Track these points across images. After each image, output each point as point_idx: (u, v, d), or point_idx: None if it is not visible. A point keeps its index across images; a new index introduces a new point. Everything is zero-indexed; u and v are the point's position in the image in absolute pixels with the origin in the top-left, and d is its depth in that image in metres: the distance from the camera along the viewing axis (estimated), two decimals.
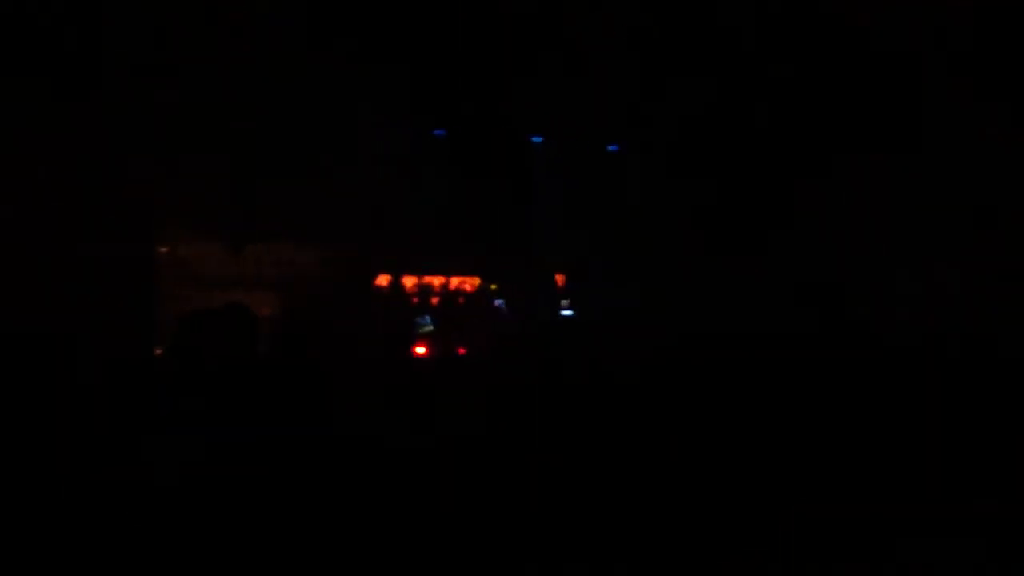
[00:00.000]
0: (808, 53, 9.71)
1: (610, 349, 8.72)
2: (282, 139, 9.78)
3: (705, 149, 10.16)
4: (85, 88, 8.53)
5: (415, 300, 10.53)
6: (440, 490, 4.77)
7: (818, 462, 4.66)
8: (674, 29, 9.71)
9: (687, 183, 10.18)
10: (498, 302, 10.76)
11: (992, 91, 9.11)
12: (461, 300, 10.71)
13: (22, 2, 8.29)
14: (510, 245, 10.64)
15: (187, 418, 5.05)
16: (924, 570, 4.10)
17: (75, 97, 8.47)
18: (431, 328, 10.49)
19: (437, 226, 10.46)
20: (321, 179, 9.95)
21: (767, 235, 9.94)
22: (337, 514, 4.66)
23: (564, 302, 10.67)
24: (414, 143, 10.34)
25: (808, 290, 9.45)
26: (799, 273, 9.72)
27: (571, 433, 5.04)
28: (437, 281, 10.65)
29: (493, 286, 10.72)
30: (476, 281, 10.65)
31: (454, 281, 10.61)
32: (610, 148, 10.74)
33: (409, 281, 10.59)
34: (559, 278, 10.68)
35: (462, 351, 10.54)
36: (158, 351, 8.80)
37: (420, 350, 10.33)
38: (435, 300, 10.63)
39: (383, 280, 10.50)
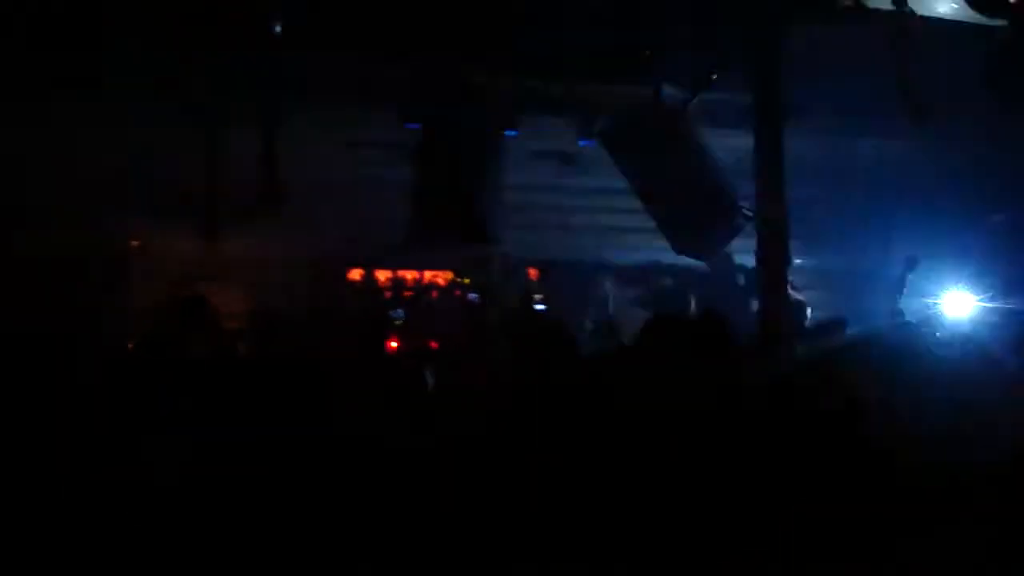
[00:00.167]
0: None
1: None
2: (259, 131, 9.72)
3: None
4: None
5: (387, 294, 10.52)
6: (437, 490, 4.76)
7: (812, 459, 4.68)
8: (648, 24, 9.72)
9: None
10: (472, 296, 10.77)
11: None
12: (434, 294, 10.72)
13: None
14: (484, 239, 10.62)
15: (176, 417, 5.02)
16: (924, 570, 4.14)
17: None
18: (400, 320, 10.49)
19: (410, 220, 10.43)
20: (295, 173, 9.90)
21: None
22: (336, 514, 4.65)
23: (537, 296, 10.70)
24: (388, 135, 10.31)
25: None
26: None
27: (565, 431, 5.04)
28: (410, 276, 10.65)
29: (466, 280, 10.73)
30: (449, 275, 10.66)
31: (427, 275, 10.61)
32: (582, 143, 10.73)
33: (382, 275, 10.59)
34: (532, 272, 10.71)
35: (434, 345, 10.54)
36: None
37: (392, 344, 10.33)
38: (408, 294, 10.64)
39: (356, 274, 10.50)
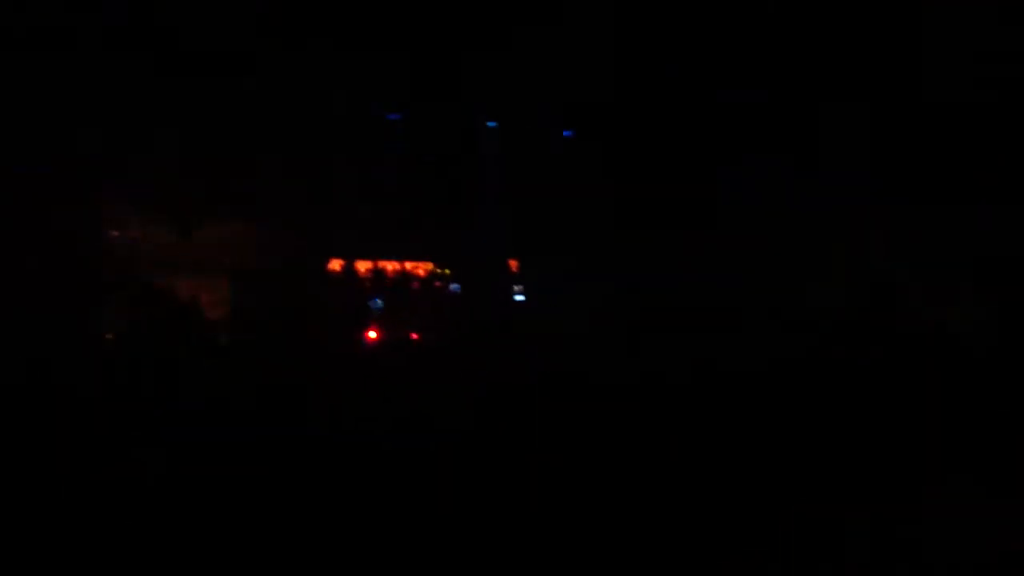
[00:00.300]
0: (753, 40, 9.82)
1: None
2: (236, 123, 9.67)
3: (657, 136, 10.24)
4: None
5: (368, 284, 10.48)
6: (435, 489, 4.77)
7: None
8: (631, 16, 9.74)
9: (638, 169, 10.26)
10: (454, 286, 10.75)
11: None
12: (415, 284, 10.68)
13: None
14: (464, 230, 10.63)
15: (181, 417, 5.01)
16: (924, 569, 4.18)
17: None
18: (379, 310, 10.45)
19: (391, 211, 10.42)
20: (275, 163, 9.85)
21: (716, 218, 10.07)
22: (335, 514, 4.65)
23: (516, 287, 10.69)
24: (369, 127, 10.28)
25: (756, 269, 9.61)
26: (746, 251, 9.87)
27: (560, 429, 5.06)
28: (391, 266, 10.61)
29: (446, 271, 10.70)
30: (429, 266, 10.63)
31: (407, 266, 10.57)
32: (565, 133, 10.74)
33: (363, 266, 10.55)
34: (512, 263, 10.69)
35: (415, 336, 10.52)
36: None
37: (372, 334, 10.30)
38: (388, 284, 10.60)
39: (336, 264, 10.45)
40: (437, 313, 10.49)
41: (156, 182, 9.70)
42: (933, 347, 6.72)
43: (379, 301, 10.51)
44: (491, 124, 10.58)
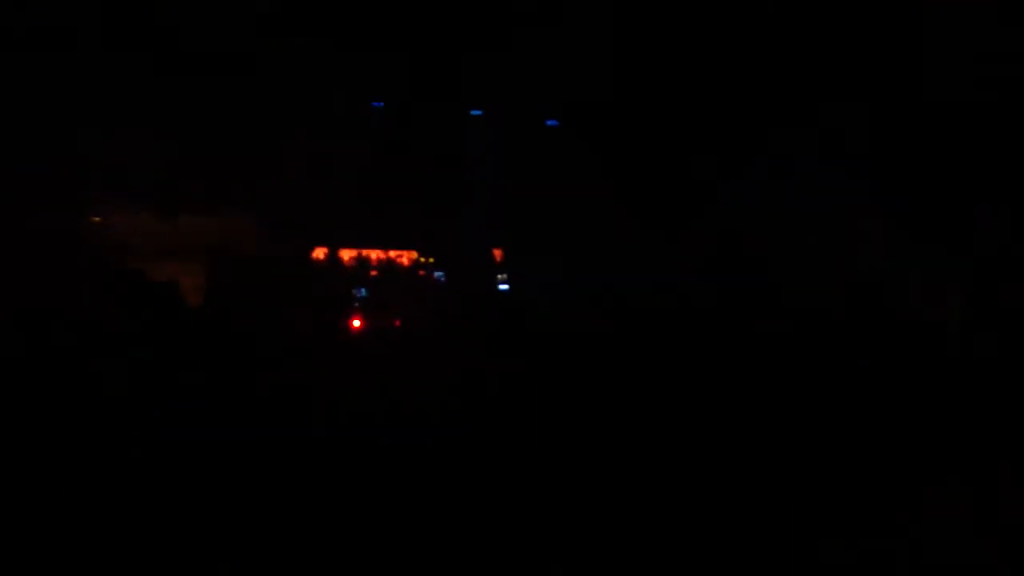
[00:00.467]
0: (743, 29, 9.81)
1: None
2: (219, 110, 9.60)
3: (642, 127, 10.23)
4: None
5: (352, 273, 10.45)
6: (433, 487, 4.74)
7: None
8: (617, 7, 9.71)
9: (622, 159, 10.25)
10: (438, 274, 10.72)
11: None
12: (399, 272, 10.66)
13: None
14: (448, 218, 10.60)
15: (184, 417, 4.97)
16: (923, 569, 4.18)
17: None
18: (363, 298, 10.43)
19: (375, 199, 10.38)
20: (259, 150, 9.79)
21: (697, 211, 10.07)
22: (334, 513, 4.62)
23: (500, 276, 10.67)
24: (353, 115, 10.23)
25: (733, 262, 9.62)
26: (726, 247, 9.87)
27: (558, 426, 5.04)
28: (375, 255, 10.58)
29: (429, 259, 10.68)
30: (413, 255, 10.60)
31: (391, 254, 10.54)
32: (549, 123, 10.71)
33: (347, 254, 10.51)
34: (496, 252, 10.67)
35: (397, 323, 10.48)
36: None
37: (356, 323, 10.26)
38: (372, 273, 10.57)
39: (320, 252, 10.41)
40: (421, 301, 10.48)
41: (144, 173, 9.63)
42: (933, 347, 6.74)
43: (364, 290, 10.49)
44: (475, 112, 10.53)
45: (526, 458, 4.67)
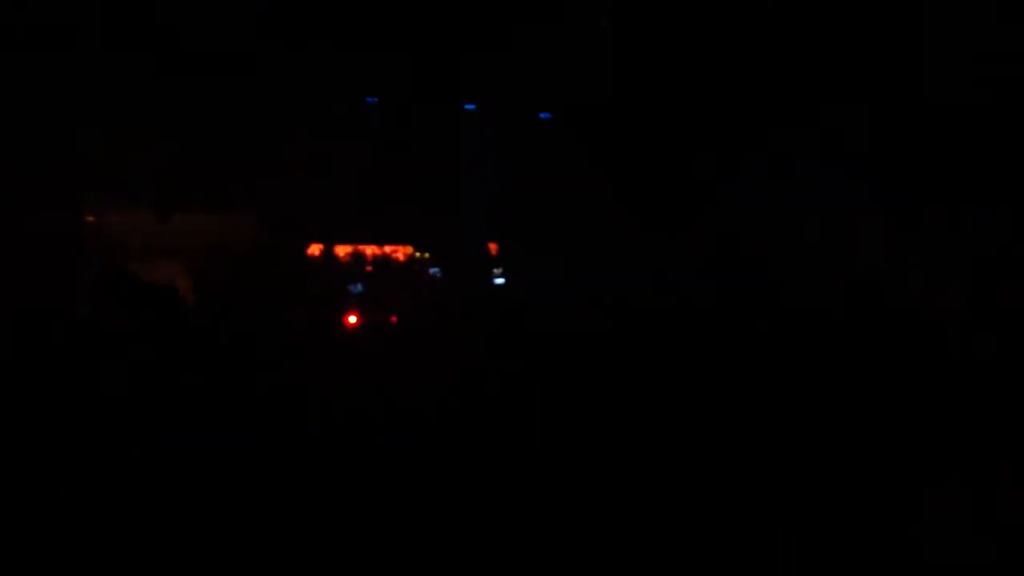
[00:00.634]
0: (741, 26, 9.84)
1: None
2: (213, 107, 9.63)
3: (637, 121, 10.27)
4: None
5: (347, 269, 10.49)
6: (432, 486, 4.79)
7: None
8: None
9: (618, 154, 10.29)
10: (433, 270, 10.76)
11: None
12: (395, 268, 10.70)
13: None
14: (444, 213, 10.63)
15: (184, 417, 5.01)
16: (923, 569, 4.24)
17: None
18: (358, 294, 10.47)
19: (370, 195, 10.42)
20: (256, 149, 9.81)
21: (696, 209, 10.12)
22: (334, 513, 4.67)
23: (496, 271, 10.71)
24: (347, 110, 10.25)
25: (732, 261, 9.65)
26: (726, 246, 9.91)
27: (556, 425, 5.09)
28: (370, 250, 10.62)
29: (425, 255, 10.72)
30: (408, 250, 10.64)
31: (386, 250, 10.58)
32: (542, 116, 10.74)
33: (342, 250, 10.55)
34: (492, 247, 10.71)
35: (393, 319, 10.52)
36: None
37: (352, 319, 10.30)
38: (368, 269, 10.61)
39: (315, 249, 10.45)
40: (417, 297, 10.52)
41: (143, 172, 9.66)
42: (933, 347, 6.79)
43: (360, 286, 10.53)
44: (469, 107, 10.57)
45: (525, 457, 4.72)
